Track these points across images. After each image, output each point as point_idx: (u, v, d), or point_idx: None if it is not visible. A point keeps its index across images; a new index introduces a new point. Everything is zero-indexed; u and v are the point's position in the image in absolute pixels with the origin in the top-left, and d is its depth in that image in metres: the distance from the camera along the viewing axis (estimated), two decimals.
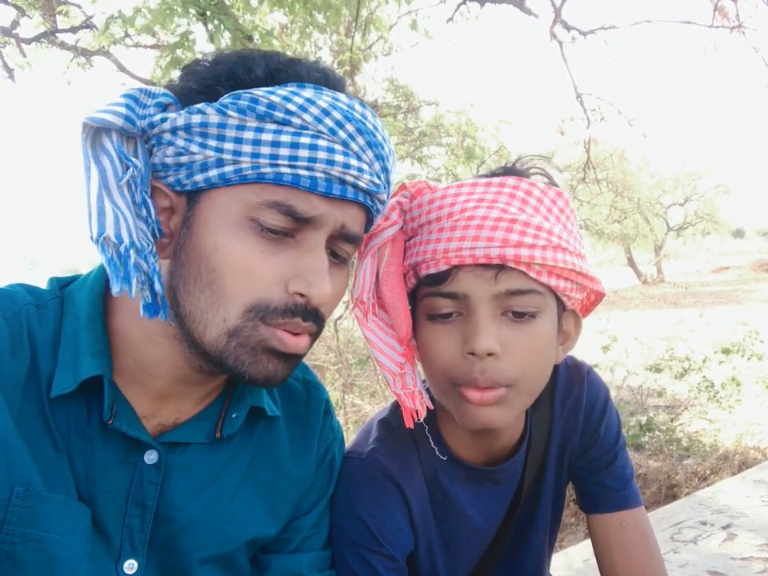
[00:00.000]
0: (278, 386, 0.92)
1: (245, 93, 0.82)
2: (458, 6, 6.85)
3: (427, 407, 1.10)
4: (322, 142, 0.82)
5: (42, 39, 6.11)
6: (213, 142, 0.81)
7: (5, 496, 0.79)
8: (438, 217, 1.02)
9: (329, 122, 0.82)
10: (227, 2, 3.91)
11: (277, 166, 0.81)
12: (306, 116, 0.81)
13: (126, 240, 0.80)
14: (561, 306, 1.07)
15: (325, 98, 0.84)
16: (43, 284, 0.98)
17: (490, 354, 0.98)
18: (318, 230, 0.85)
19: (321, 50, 7.09)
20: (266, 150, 0.81)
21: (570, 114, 8.32)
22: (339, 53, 6.58)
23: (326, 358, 7.14)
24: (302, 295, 0.85)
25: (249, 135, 0.81)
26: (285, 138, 0.81)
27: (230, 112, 0.81)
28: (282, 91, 0.82)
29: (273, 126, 0.81)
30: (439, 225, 1.01)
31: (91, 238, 0.80)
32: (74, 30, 6.16)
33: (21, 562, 0.80)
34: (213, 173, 0.82)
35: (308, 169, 0.81)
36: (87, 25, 5.99)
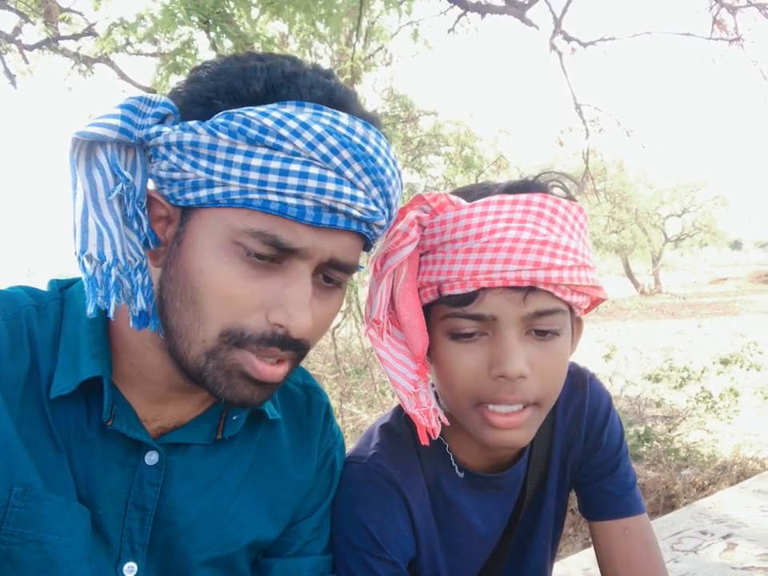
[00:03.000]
0: (256, 407, 0.92)
1: (238, 113, 0.79)
2: (459, 17, 6.86)
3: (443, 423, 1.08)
4: (313, 170, 0.79)
5: (43, 46, 6.13)
6: (204, 162, 0.79)
7: (3, 497, 0.79)
8: (465, 236, 0.98)
9: (322, 148, 0.79)
10: (229, 11, 3.93)
11: (265, 192, 0.79)
12: (297, 142, 0.78)
13: (109, 258, 0.79)
14: (573, 317, 1.07)
15: (322, 121, 0.81)
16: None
17: (520, 377, 0.98)
18: (305, 261, 0.83)
19: (321, 58, 7.12)
20: (254, 175, 0.78)
21: (568, 125, 8.33)
22: (340, 62, 6.60)
23: (324, 367, 7.13)
24: (281, 326, 0.83)
25: (238, 159, 0.78)
26: (274, 165, 0.78)
27: (220, 134, 0.78)
28: (277, 113, 0.79)
29: (263, 151, 0.79)
30: (466, 245, 0.98)
31: (74, 253, 0.79)
32: (75, 37, 6.19)
33: (20, 563, 0.79)
34: (203, 193, 0.80)
35: (297, 197, 0.79)
36: (89, 32, 6.02)
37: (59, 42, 6.05)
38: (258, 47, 4.01)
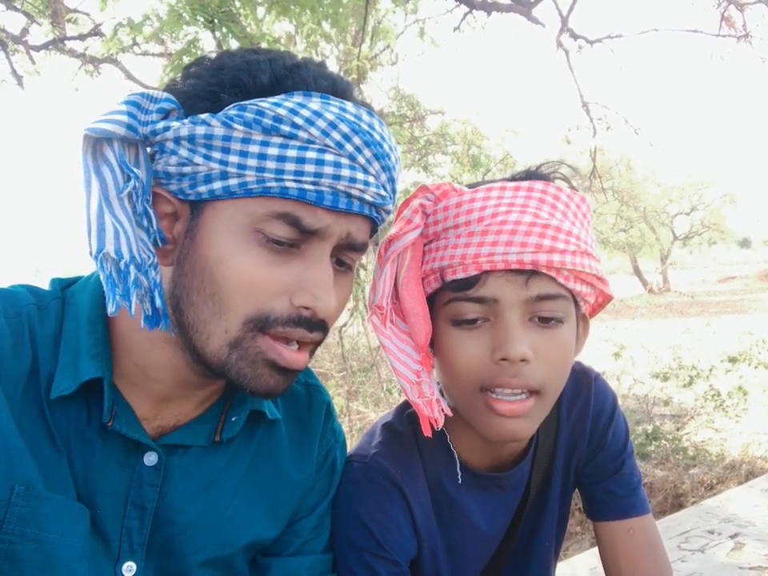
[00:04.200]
0: (278, 397, 0.92)
1: (250, 104, 0.80)
2: (465, 16, 6.86)
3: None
4: (328, 156, 0.80)
5: (50, 47, 6.16)
6: (217, 155, 0.80)
7: (5, 495, 0.79)
8: (468, 221, 0.99)
9: (336, 135, 0.81)
10: (235, 11, 3.94)
11: (282, 180, 0.80)
12: (312, 130, 0.80)
13: (126, 255, 0.79)
14: (578, 311, 1.07)
15: (332, 110, 0.82)
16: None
17: (522, 360, 0.97)
18: (324, 241, 0.85)
19: (327, 58, 7.12)
20: (271, 164, 0.79)
21: (576, 123, 8.32)
22: (346, 61, 6.61)
23: (331, 366, 7.14)
24: (306, 308, 0.84)
25: (254, 149, 0.79)
26: (291, 153, 0.79)
27: (235, 125, 0.79)
28: (289, 103, 0.81)
29: (279, 140, 0.80)
30: (469, 229, 0.99)
31: (90, 253, 0.79)
32: (82, 37, 6.21)
33: (20, 562, 0.79)
34: (217, 185, 0.81)
35: (314, 183, 0.80)
36: (95, 32, 6.04)
37: (66, 42, 6.08)
38: (264, 47, 4.01)
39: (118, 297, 0.80)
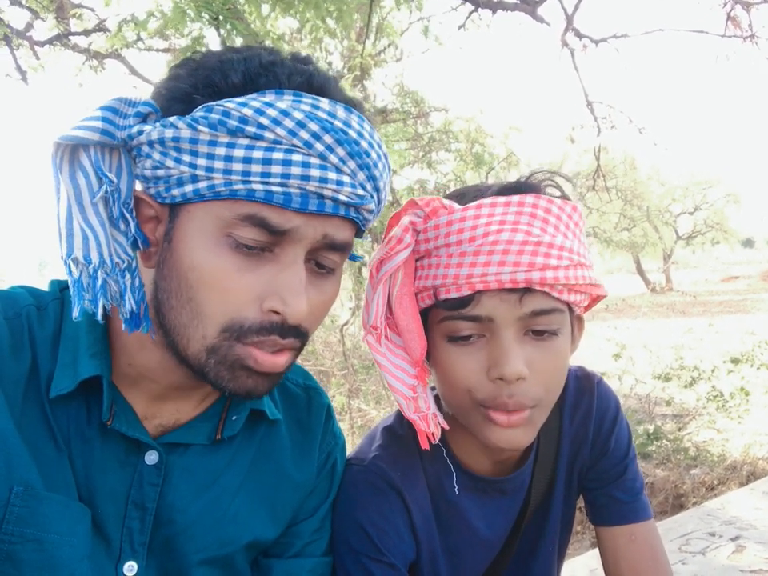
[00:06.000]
0: (261, 398, 0.91)
1: (217, 105, 0.78)
2: (470, 14, 6.84)
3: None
4: (296, 157, 0.78)
5: (55, 42, 6.17)
6: (187, 158, 0.79)
7: (4, 496, 0.79)
8: (459, 240, 0.98)
9: (304, 134, 0.78)
10: (239, 7, 3.94)
11: (249, 182, 0.78)
12: (279, 130, 0.78)
13: (95, 260, 0.79)
14: (572, 316, 1.06)
15: (303, 108, 0.80)
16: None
17: (518, 379, 0.97)
18: (296, 244, 0.83)
19: (332, 54, 7.12)
20: (237, 166, 0.77)
21: (580, 122, 8.29)
22: (350, 58, 6.60)
23: (332, 363, 7.15)
24: (277, 313, 0.83)
25: (221, 151, 0.78)
26: (257, 154, 0.78)
27: (200, 127, 0.77)
28: (256, 103, 0.79)
29: (245, 142, 0.78)
30: (460, 249, 0.98)
31: (61, 257, 0.79)
32: (86, 33, 6.22)
33: (20, 562, 0.79)
34: (188, 188, 0.80)
35: (281, 185, 0.78)
36: (100, 28, 6.05)
37: (70, 37, 6.09)
38: (268, 44, 4.01)
39: (86, 301, 0.80)
